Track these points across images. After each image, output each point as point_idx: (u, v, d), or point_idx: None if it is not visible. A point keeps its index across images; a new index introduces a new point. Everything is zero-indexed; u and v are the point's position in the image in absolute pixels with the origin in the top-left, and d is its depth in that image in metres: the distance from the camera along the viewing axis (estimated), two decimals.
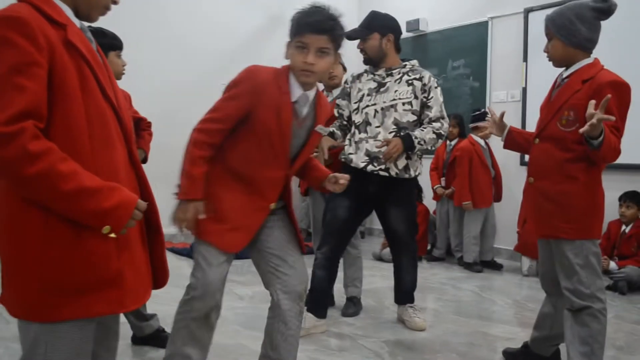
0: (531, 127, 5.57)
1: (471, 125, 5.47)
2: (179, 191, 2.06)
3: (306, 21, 2.03)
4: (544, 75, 5.32)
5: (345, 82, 3.53)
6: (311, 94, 2.15)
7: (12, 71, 1.22)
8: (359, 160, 3.27)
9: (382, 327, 3.47)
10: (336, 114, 3.52)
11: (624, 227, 4.75)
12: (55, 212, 1.30)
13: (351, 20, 7.65)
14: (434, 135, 3.22)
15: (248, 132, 2.10)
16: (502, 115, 2.81)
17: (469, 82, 6.33)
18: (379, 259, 5.65)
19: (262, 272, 2.26)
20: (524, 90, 5.75)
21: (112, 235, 1.35)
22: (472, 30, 6.31)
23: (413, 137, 3.17)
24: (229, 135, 2.12)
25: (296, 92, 2.10)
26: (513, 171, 5.66)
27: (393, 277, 3.60)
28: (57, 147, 1.27)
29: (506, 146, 2.81)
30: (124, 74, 2.86)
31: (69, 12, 1.41)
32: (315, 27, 2.01)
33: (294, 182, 3.51)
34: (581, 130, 2.15)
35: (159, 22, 6.17)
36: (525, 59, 5.73)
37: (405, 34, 6.88)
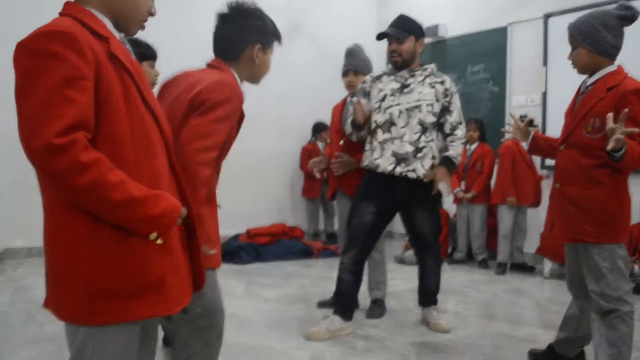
0: (552, 131, 5.68)
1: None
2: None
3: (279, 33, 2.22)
4: (564, 80, 5.39)
5: (364, 82, 3.57)
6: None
7: (62, 84, 1.25)
8: (386, 163, 3.32)
9: (406, 329, 3.52)
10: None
11: None
12: (103, 220, 1.35)
13: (369, 22, 7.72)
14: (462, 146, 3.41)
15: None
16: (528, 122, 2.85)
17: (489, 87, 6.38)
18: (401, 261, 5.71)
19: None
20: (544, 94, 5.78)
21: (159, 241, 1.40)
22: (491, 35, 6.35)
23: (452, 159, 3.35)
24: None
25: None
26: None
27: (417, 279, 3.65)
28: (105, 157, 1.31)
29: (530, 152, 2.86)
30: (156, 84, 2.93)
31: (109, 25, 1.46)
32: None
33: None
34: (608, 147, 2.20)
35: (187, 31, 6.26)
36: (545, 63, 5.77)
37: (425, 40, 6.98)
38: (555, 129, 5.54)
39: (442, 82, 3.37)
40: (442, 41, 6.93)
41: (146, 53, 2.85)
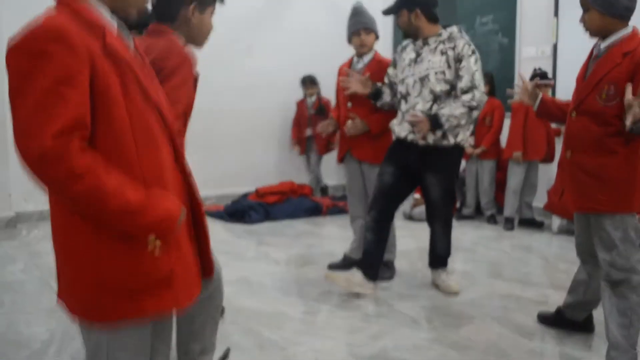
0: (563, 84, 5.59)
1: (536, 82, 5.37)
2: None
3: None
4: (576, 31, 5.17)
5: (395, 51, 3.65)
6: None
7: (55, 84, 1.23)
8: (401, 130, 3.42)
9: (417, 292, 3.56)
10: (386, 82, 3.64)
11: None
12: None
13: None
14: (465, 109, 3.25)
15: None
16: (535, 84, 2.78)
17: (498, 38, 6.23)
18: (410, 218, 5.73)
19: None
20: (555, 46, 5.65)
21: (157, 243, 1.39)
22: None
23: (440, 116, 3.25)
24: None
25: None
26: None
27: (426, 237, 3.68)
28: (102, 159, 1.29)
29: (539, 115, 2.80)
30: None
31: (106, 13, 1.41)
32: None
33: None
34: (627, 123, 2.15)
35: None
36: (556, 14, 5.61)
37: None
38: (566, 81, 5.51)
39: (453, 48, 3.30)
40: None
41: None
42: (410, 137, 3.36)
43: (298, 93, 6.88)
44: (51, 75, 1.23)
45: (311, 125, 6.61)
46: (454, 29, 3.40)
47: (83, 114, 1.26)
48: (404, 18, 3.41)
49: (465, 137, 3.41)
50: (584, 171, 2.47)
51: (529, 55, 5.95)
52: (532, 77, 5.31)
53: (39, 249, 4.52)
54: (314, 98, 6.77)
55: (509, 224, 5.36)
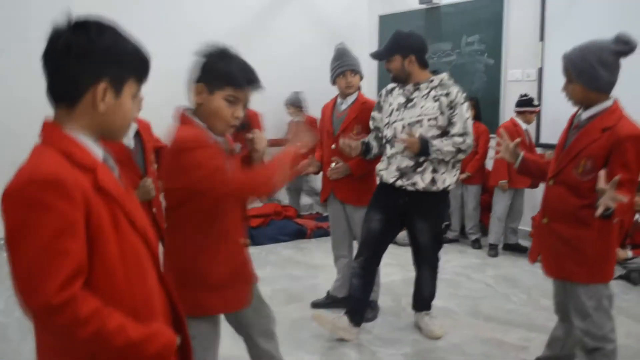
0: (548, 108, 5.59)
1: (516, 109, 5.40)
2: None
3: (246, 77, 2.03)
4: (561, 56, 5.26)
5: (380, 95, 3.62)
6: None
7: (55, 237, 1.21)
8: (389, 175, 3.39)
9: (400, 336, 3.58)
10: (371, 127, 3.63)
11: (637, 215, 4.78)
12: None
13: (361, 5, 7.39)
14: (453, 149, 3.25)
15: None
16: (517, 143, 2.79)
17: (484, 59, 6.24)
18: (394, 242, 5.73)
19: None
20: (540, 70, 5.67)
21: None
22: (487, 4, 6.17)
23: (429, 144, 3.22)
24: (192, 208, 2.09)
25: (218, 138, 2.10)
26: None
27: (412, 267, 3.69)
28: (99, 299, 1.29)
29: (519, 173, 2.82)
30: (140, 109, 2.85)
31: (92, 142, 1.38)
32: (256, 84, 2.04)
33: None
34: (597, 214, 2.17)
35: (165, 6, 6.11)
36: (542, 38, 5.62)
37: (418, 6, 6.82)
38: (550, 107, 5.54)
39: (447, 94, 3.28)
40: (436, 8, 6.73)
41: None
42: (399, 183, 3.35)
43: (277, 113, 6.82)
44: (51, 228, 1.21)
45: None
46: (444, 75, 3.40)
47: (82, 260, 1.26)
48: (396, 64, 3.37)
49: (452, 182, 3.42)
50: (559, 240, 2.52)
51: (514, 78, 5.98)
52: (518, 104, 5.34)
53: None
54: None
55: (492, 251, 5.40)
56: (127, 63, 1.38)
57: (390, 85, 3.55)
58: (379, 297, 3.96)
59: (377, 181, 3.57)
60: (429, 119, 3.29)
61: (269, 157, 2.20)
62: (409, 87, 3.40)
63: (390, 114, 3.43)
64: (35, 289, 1.20)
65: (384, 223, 3.46)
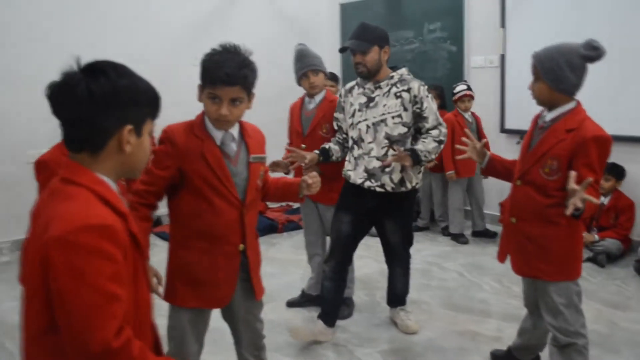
0: (510, 94, 5.67)
1: (454, 98, 5.48)
2: None
3: (217, 74, 2.06)
4: (523, 42, 5.34)
5: (340, 95, 3.56)
6: (234, 130, 2.23)
7: (109, 282, 1.24)
8: (357, 177, 3.35)
9: (376, 333, 3.62)
10: (335, 127, 3.61)
11: (602, 198, 4.89)
12: None
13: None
14: (435, 144, 3.25)
15: (189, 189, 2.19)
16: (484, 144, 2.83)
17: (446, 46, 6.27)
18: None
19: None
20: (503, 57, 5.73)
21: None
22: None
23: (418, 152, 3.19)
24: (174, 199, 2.23)
25: (217, 134, 2.20)
26: (494, 138, 5.73)
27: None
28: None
29: (486, 173, 2.86)
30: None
31: (112, 183, 1.40)
32: (226, 80, 2.05)
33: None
34: (567, 212, 2.21)
35: None
36: (503, 25, 5.67)
37: None
38: (513, 93, 5.61)
39: (408, 90, 3.26)
40: None
41: None
42: (367, 184, 3.33)
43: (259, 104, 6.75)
44: (108, 274, 1.25)
45: None
46: (403, 70, 3.37)
47: (127, 306, 1.32)
48: (374, 55, 3.25)
49: (419, 180, 3.44)
50: (527, 239, 2.57)
51: (477, 64, 6.03)
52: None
53: None
54: None
55: (461, 238, 5.49)
56: (146, 103, 1.40)
57: (349, 85, 3.49)
58: (354, 292, 4.00)
59: (345, 182, 3.53)
60: (393, 117, 3.26)
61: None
62: (369, 85, 3.34)
63: (353, 115, 3.39)
64: (95, 333, 1.22)
65: (354, 224, 3.45)
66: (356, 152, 3.39)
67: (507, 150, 5.31)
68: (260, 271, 2.47)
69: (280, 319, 3.80)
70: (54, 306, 1.24)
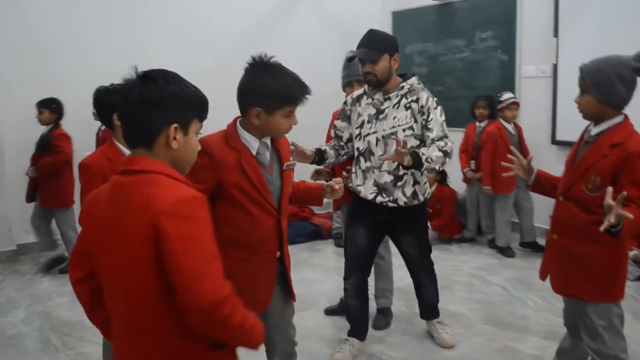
0: (562, 105, 5.51)
1: (500, 106, 5.39)
2: None
3: (302, 93, 2.21)
4: (576, 52, 5.20)
5: (345, 103, 3.42)
6: (267, 139, 2.27)
7: (211, 242, 1.46)
8: (367, 191, 3.25)
9: (412, 344, 3.59)
10: (332, 135, 3.47)
11: None
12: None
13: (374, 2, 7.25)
14: (441, 154, 3.07)
15: (226, 200, 2.22)
16: (530, 159, 2.73)
17: (498, 55, 6.16)
18: None
19: None
20: (555, 66, 5.59)
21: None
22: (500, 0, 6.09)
23: (420, 154, 3.00)
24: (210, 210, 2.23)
25: (253, 144, 2.23)
26: (544, 149, 5.59)
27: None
28: None
29: (533, 190, 2.76)
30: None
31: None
32: (306, 94, 2.23)
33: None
34: (601, 228, 2.13)
35: (172, 5, 6.10)
36: (556, 34, 5.53)
37: (430, 2, 6.75)
38: (564, 104, 5.44)
39: (417, 100, 3.16)
40: (449, 4, 6.65)
41: None
42: (379, 199, 3.22)
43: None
44: (208, 236, 1.46)
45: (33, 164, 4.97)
46: (413, 79, 3.26)
47: None
48: (384, 63, 3.14)
49: (430, 192, 3.41)
50: (568, 256, 2.48)
51: (529, 74, 5.90)
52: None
53: (41, 290, 4.58)
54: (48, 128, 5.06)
55: (508, 251, 5.37)
56: (191, 106, 1.57)
57: (356, 93, 3.37)
58: (393, 303, 3.97)
59: (354, 195, 3.39)
60: (404, 129, 3.15)
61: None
62: (378, 96, 3.22)
63: (362, 126, 3.25)
64: (208, 285, 1.40)
65: (369, 237, 3.37)
66: (363, 164, 3.27)
67: (559, 162, 5.09)
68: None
69: (316, 326, 3.81)
70: (167, 268, 1.40)
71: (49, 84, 5.25)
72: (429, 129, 3.14)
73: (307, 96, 2.23)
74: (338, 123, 3.43)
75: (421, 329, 3.75)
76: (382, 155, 3.17)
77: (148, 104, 1.50)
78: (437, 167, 3.09)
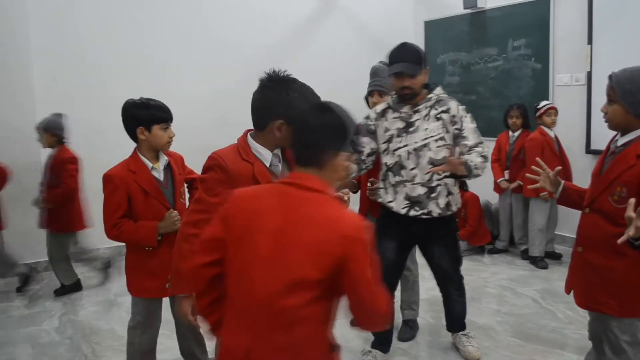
0: (597, 113, 5.36)
1: (538, 113, 5.32)
2: (170, 286, 2.32)
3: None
4: (611, 59, 5.10)
5: (367, 117, 3.39)
6: (278, 150, 2.28)
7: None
8: (399, 206, 3.24)
9: (437, 356, 3.56)
10: (353, 150, 3.46)
11: None
12: None
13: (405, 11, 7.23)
14: (481, 159, 3.08)
15: None
16: (557, 171, 2.69)
17: (531, 64, 6.08)
18: None
19: None
20: (589, 74, 5.48)
21: None
22: (533, 7, 6.00)
23: (469, 162, 2.99)
24: None
25: (266, 155, 2.22)
26: (578, 159, 5.48)
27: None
28: None
29: (560, 202, 2.70)
30: (170, 144, 2.93)
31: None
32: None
33: None
34: (619, 240, 2.08)
35: (196, 23, 6.19)
36: (590, 42, 5.43)
37: (462, 11, 6.71)
38: (599, 113, 5.22)
39: (447, 110, 3.17)
40: (481, 12, 6.59)
41: (155, 115, 2.82)
42: (412, 212, 3.22)
43: None
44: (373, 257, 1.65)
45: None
46: (439, 90, 3.27)
47: None
48: (422, 77, 3.17)
49: (460, 203, 3.40)
50: (593, 269, 2.43)
51: (562, 82, 5.80)
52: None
53: (75, 299, 4.71)
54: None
55: (541, 262, 5.27)
56: (349, 136, 1.78)
57: (380, 107, 3.35)
58: (419, 315, 3.94)
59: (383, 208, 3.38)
60: (436, 140, 3.16)
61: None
62: (406, 109, 3.21)
63: (390, 140, 3.25)
64: (381, 300, 1.65)
65: (398, 251, 3.37)
66: (392, 179, 3.26)
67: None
68: None
69: (341, 338, 3.68)
70: (352, 284, 1.61)
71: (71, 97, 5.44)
72: (464, 137, 3.15)
73: None
74: (364, 139, 3.41)
75: (447, 342, 3.71)
76: (414, 168, 3.18)
77: (327, 131, 1.71)
78: (480, 173, 3.09)
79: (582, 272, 2.49)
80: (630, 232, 2.05)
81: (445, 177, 3.12)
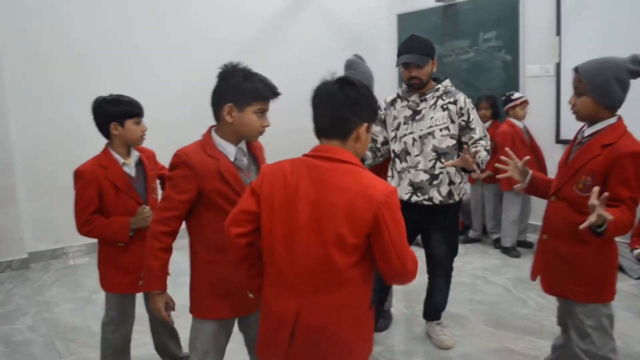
0: (566, 103, 5.43)
1: (505, 108, 5.39)
2: (142, 283, 2.31)
3: (269, 90, 2.24)
4: (579, 51, 5.18)
5: (378, 107, 3.49)
6: (243, 144, 2.31)
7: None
8: (402, 191, 3.33)
9: (410, 346, 3.61)
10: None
11: None
12: None
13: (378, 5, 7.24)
14: (486, 153, 3.21)
15: (209, 207, 2.25)
16: (525, 161, 2.74)
17: (501, 55, 6.15)
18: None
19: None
20: (558, 65, 5.57)
21: None
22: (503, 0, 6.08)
23: (478, 158, 3.11)
24: (193, 217, 2.29)
25: (230, 150, 2.26)
26: (549, 149, 5.56)
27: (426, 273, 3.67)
28: None
29: (528, 192, 2.76)
30: (144, 139, 2.93)
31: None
32: (276, 93, 2.27)
33: None
34: (581, 226, 2.14)
35: (171, 18, 6.15)
36: (558, 33, 5.52)
37: (434, 4, 6.75)
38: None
39: (455, 102, 3.27)
40: (452, 5, 6.66)
41: (127, 110, 2.82)
42: (414, 199, 3.32)
43: (298, 114, 6.85)
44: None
45: None
46: (447, 82, 3.38)
47: None
48: (429, 68, 3.28)
49: (465, 191, 3.44)
50: (558, 257, 2.49)
51: (532, 74, 5.88)
52: (503, 104, 5.37)
53: (49, 297, 4.66)
54: None
55: (513, 252, 5.36)
56: (375, 108, 1.96)
57: (390, 97, 3.49)
58: (392, 305, 3.99)
59: None
60: (441, 129, 3.26)
61: None
62: (414, 98, 3.34)
63: (398, 128, 3.37)
64: (408, 257, 1.80)
65: None
66: (399, 165, 3.38)
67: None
68: None
69: None
70: (383, 245, 1.76)
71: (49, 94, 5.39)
72: (471, 129, 3.27)
73: (277, 96, 2.27)
74: (376, 128, 3.51)
75: (421, 331, 3.77)
76: (418, 155, 3.29)
77: (351, 103, 1.83)
78: (484, 167, 3.25)
79: (548, 259, 2.55)
80: (593, 219, 2.10)
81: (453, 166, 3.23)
